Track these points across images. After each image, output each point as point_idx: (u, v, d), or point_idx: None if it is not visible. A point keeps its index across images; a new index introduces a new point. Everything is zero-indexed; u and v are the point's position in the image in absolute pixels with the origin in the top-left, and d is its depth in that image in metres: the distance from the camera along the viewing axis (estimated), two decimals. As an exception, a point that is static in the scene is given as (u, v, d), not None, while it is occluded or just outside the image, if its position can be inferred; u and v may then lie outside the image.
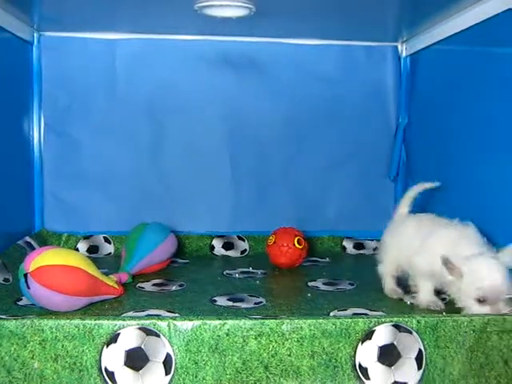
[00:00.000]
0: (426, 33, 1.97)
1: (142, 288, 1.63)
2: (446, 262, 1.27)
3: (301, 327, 1.09)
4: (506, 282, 1.25)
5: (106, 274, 1.52)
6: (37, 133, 2.10)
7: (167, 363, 1.07)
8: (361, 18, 1.81)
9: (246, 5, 1.63)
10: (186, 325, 1.08)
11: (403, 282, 1.53)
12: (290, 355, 1.09)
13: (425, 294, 1.43)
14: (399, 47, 2.20)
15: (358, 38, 2.15)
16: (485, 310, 1.24)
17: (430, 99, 2.01)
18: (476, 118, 1.65)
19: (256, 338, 1.08)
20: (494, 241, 1.53)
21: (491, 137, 1.56)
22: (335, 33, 2.08)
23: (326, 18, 1.81)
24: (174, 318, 1.09)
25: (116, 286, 1.50)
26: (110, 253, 2.10)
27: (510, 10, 1.45)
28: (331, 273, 1.83)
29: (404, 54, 2.20)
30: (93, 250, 2.09)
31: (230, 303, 1.49)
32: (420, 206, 2.05)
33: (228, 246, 2.15)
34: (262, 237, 2.13)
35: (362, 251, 2.17)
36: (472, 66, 1.69)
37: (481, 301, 1.25)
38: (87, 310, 1.39)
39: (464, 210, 1.71)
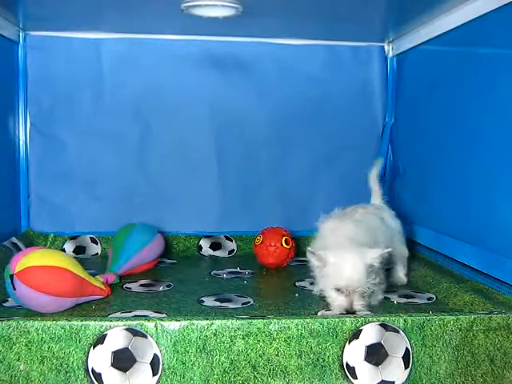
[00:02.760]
0: (412, 33, 1.97)
1: (129, 288, 1.63)
2: (312, 254, 1.41)
3: (288, 327, 1.09)
4: (360, 277, 1.33)
5: (93, 275, 1.51)
6: (22, 133, 2.09)
7: (154, 364, 1.07)
8: (347, 18, 1.81)
9: (233, 5, 1.63)
10: (174, 325, 1.08)
11: None
12: (277, 355, 1.09)
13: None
14: (386, 47, 2.21)
15: (344, 38, 2.16)
16: (341, 298, 1.35)
17: (417, 99, 2.02)
18: (462, 118, 1.66)
19: (243, 338, 1.08)
20: (475, 238, 1.55)
21: (477, 137, 1.57)
22: (322, 33, 2.08)
23: (313, 18, 1.81)
24: (162, 319, 1.09)
25: (103, 287, 1.49)
26: (97, 253, 2.09)
27: (496, 10, 1.46)
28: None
29: (390, 55, 2.20)
30: (79, 250, 2.08)
31: (218, 303, 1.49)
32: (405, 204, 2.07)
33: (215, 246, 2.14)
34: (249, 237, 2.13)
35: (349, 251, 2.17)
36: (459, 67, 1.69)
37: (338, 290, 1.35)
38: (74, 311, 1.39)
39: (448, 209, 1.72)
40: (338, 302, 1.36)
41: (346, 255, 1.36)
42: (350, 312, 1.33)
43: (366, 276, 1.34)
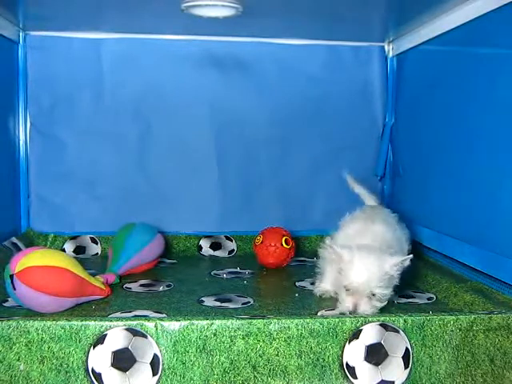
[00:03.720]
0: (412, 33, 1.97)
1: (129, 288, 1.63)
2: (331, 249, 1.41)
3: (288, 327, 1.09)
4: (370, 281, 1.31)
5: (93, 275, 1.51)
6: (22, 133, 2.09)
7: (154, 364, 1.07)
8: (347, 18, 1.81)
9: (233, 5, 1.63)
10: (174, 325, 1.08)
11: None
12: (277, 355, 1.09)
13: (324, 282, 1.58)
14: (386, 47, 2.21)
15: (344, 38, 2.16)
16: (348, 299, 1.34)
17: (417, 99, 2.02)
18: (462, 118, 1.66)
19: (243, 338, 1.08)
20: (475, 238, 1.55)
21: (478, 137, 1.57)
22: (322, 33, 2.08)
23: (313, 18, 1.81)
24: (162, 319, 1.09)
25: (103, 287, 1.49)
26: (97, 253, 2.09)
27: (496, 10, 1.46)
28: (319, 272, 1.84)
29: (391, 54, 2.20)
30: (79, 250, 2.08)
31: (218, 303, 1.49)
32: (405, 204, 2.07)
33: (215, 246, 2.14)
34: (249, 237, 2.13)
35: (349, 251, 2.17)
36: (459, 67, 1.69)
37: (347, 290, 1.34)
38: (74, 311, 1.38)
39: (448, 209, 1.72)
40: (345, 302, 1.35)
41: (361, 256, 1.34)
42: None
43: (379, 281, 1.31)
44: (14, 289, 1.31)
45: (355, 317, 1.13)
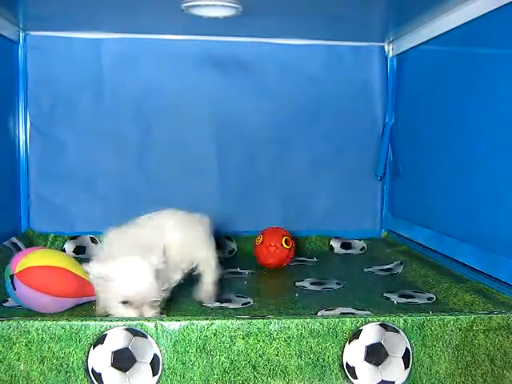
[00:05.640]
0: (412, 33, 1.97)
1: (129, 289, 1.62)
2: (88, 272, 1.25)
3: (288, 327, 1.09)
4: (150, 287, 1.22)
5: (93, 275, 1.51)
6: (22, 133, 2.09)
7: (154, 364, 1.07)
8: (347, 18, 1.81)
9: (233, 5, 1.63)
10: (174, 325, 1.08)
11: None
12: (277, 355, 1.09)
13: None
14: (386, 47, 2.21)
15: (344, 38, 2.16)
16: (130, 311, 1.21)
17: (417, 99, 2.02)
18: (462, 118, 1.66)
19: (243, 338, 1.08)
20: (475, 238, 1.54)
21: (477, 137, 1.57)
22: (322, 33, 2.08)
23: (313, 18, 1.81)
24: (161, 319, 1.09)
25: (103, 287, 1.49)
26: (97, 253, 2.09)
27: (496, 10, 1.46)
28: (319, 272, 1.84)
29: (391, 55, 2.20)
30: (79, 250, 2.08)
31: (218, 303, 1.49)
32: (405, 204, 2.07)
33: (216, 246, 2.13)
34: (249, 237, 2.12)
35: (349, 251, 2.17)
36: (459, 67, 1.69)
37: (125, 302, 1.21)
38: (74, 311, 1.39)
39: (448, 208, 1.72)
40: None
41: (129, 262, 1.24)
42: None
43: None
44: (14, 289, 1.31)
45: (355, 317, 1.13)
